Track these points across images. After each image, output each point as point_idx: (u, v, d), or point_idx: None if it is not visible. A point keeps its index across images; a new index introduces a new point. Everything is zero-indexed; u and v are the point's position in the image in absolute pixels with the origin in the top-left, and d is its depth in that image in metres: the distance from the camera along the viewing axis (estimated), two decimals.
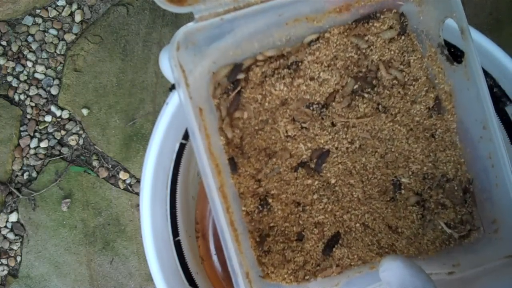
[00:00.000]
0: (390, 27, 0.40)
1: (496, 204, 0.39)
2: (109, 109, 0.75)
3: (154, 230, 0.41)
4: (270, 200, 0.40)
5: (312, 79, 0.40)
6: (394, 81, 0.41)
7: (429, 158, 0.41)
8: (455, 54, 0.41)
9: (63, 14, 0.76)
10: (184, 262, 0.45)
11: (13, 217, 0.73)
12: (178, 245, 0.45)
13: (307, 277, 0.39)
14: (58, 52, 0.76)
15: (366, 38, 0.40)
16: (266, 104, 0.40)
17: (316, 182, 0.40)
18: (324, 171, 0.40)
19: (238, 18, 0.35)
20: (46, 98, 0.75)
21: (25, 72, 0.75)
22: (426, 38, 0.40)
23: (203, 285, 0.46)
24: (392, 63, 0.41)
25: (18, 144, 0.75)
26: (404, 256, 0.35)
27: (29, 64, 0.75)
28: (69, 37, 0.76)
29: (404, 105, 0.41)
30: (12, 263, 0.73)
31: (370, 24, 0.40)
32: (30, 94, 0.75)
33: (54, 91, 0.75)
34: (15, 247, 0.73)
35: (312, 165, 0.40)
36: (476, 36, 0.40)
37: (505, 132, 0.44)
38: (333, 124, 0.40)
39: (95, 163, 0.74)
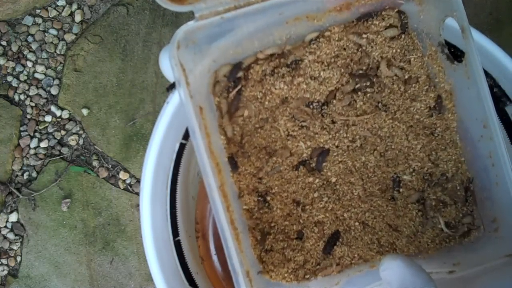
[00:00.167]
0: (391, 26, 0.40)
1: (496, 203, 0.39)
2: (109, 109, 0.75)
3: (154, 230, 0.41)
4: (269, 198, 0.40)
5: (312, 77, 0.40)
6: (395, 78, 0.41)
7: (429, 156, 0.41)
8: (455, 54, 0.41)
9: (63, 14, 0.76)
10: (184, 262, 0.45)
11: (13, 217, 0.73)
12: (178, 245, 0.45)
13: (307, 276, 0.39)
14: (58, 52, 0.76)
15: (366, 36, 0.40)
16: (266, 102, 0.40)
17: (317, 181, 0.40)
18: (325, 170, 0.40)
19: (239, 17, 0.35)
20: (46, 98, 0.75)
21: (25, 72, 0.75)
22: (426, 37, 0.40)
23: (203, 285, 0.46)
24: (393, 61, 0.41)
25: (18, 144, 0.74)
26: (404, 255, 0.35)
27: (29, 64, 0.75)
28: (69, 37, 0.76)
29: (403, 102, 0.41)
30: (12, 263, 0.73)
31: (370, 22, 0.40)
32: (30, 94, 0.75)
33: (54, 91, 0.75)
34: (15, 247, 0.73)
35: (313, 164, 0.40)
36: (476, 36, 0.40)
37: (505, 132, 0.44)
38: (333, 122, 0.41)
39: (95, 163, 0.74)
